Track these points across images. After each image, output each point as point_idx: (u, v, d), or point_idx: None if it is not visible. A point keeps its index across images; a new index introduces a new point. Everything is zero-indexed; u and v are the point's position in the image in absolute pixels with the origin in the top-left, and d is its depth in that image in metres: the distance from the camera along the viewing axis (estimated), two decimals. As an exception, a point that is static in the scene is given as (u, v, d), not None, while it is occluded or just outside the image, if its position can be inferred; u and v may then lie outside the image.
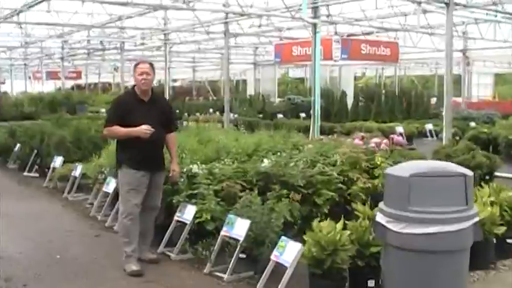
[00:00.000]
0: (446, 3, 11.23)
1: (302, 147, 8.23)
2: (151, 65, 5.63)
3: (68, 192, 8.85)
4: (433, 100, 26.16)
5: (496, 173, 9.77)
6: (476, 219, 4.07)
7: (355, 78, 34.00)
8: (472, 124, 19.30)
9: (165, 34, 18.69)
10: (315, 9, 13.66)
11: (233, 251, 5.38)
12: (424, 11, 15.76)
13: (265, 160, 7.22)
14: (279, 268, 5.19)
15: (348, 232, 4.71)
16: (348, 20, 17.02)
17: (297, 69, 39.37)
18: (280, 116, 24.04)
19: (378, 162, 7.52)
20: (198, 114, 22.93)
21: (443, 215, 3.93)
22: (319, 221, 6.46)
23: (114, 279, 5.24)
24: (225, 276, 5.22)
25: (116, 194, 7.39)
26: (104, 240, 6.55)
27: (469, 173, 4.12)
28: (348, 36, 18.37)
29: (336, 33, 18.21)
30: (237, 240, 5.31)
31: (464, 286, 4.15)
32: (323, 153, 7.82)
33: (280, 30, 20.96)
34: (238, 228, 5.38)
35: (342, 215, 5.23)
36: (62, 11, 16.61)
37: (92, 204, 8.22)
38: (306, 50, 15.97)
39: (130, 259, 5.43)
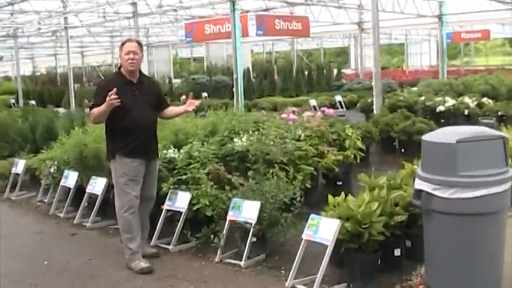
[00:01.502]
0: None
1: (262, 124, 8.03)
2: (139, 43, 5.17)
3: (10, 191, 8.04)
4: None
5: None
6: (514, 179, 4.15)
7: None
8: (376, 94, 20.05)
9: (65, 18, 17.50)
10: (233, -14, 13.40)
11: (243, 235, 5.14)
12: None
13: (236, 140, 6.97)
14: (288, 247, 5.12)
15: (377, 204, 4.64)
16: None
17: (185, 49, 38.91)
18: (183, 97, 23.50)
19: (349, 134, 7.52)
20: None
21: (489, 177, 3.95)
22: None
23: (126, 280, 4.80)
24: (242, 262, 4.98)
25: (78, 188, 6.86)
26: (84, 239, 6.01)
27: (506, 135, 4.18)
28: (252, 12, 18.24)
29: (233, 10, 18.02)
30: (248, 224, 5.07)
31: (504, 244, 4.22)
32: (285, 129, 7.71)
33: (176, 11, 20.39)
34: (247, 211, 5.15)
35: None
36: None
37: (42, 201, 7.58)
38: (219, 28, 15.65)
39: (136, 256, 5.00)
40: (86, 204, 6.65)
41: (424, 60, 40.59)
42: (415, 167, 6.07)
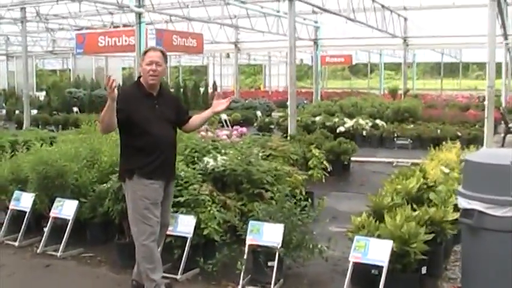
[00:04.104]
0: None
1: (219, 143, 7.80)
2: (163, 53, 4.65)
3: None
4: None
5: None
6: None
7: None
8: (258, 113, 20.45)
9: None
10: (140, -2, 12.95)
11: (265, 259, 4.92)
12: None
13: (207, 159, 6.67)
14: (296, 270, 5.09)
15: (413, 223, 4.71)
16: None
17: (53, 60, 37.05)
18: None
19: (316, 154, 7.55)
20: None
21: (538, 195, 4.21)
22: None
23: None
24: (271, 289, 4.75)
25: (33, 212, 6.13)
26: (66, 271, 5.28)
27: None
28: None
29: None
30: (272, 248, 4.86)
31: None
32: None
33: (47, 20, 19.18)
34: (268, 234, 4.93)
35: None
36: None
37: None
38: (115, 41, 14.93)
39: (160, 288, 4.54)
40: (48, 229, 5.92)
41: (281, 81, 42.21)
42: (399, 186, 6.29)
